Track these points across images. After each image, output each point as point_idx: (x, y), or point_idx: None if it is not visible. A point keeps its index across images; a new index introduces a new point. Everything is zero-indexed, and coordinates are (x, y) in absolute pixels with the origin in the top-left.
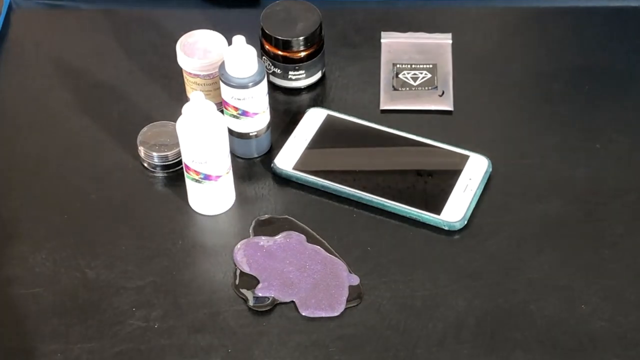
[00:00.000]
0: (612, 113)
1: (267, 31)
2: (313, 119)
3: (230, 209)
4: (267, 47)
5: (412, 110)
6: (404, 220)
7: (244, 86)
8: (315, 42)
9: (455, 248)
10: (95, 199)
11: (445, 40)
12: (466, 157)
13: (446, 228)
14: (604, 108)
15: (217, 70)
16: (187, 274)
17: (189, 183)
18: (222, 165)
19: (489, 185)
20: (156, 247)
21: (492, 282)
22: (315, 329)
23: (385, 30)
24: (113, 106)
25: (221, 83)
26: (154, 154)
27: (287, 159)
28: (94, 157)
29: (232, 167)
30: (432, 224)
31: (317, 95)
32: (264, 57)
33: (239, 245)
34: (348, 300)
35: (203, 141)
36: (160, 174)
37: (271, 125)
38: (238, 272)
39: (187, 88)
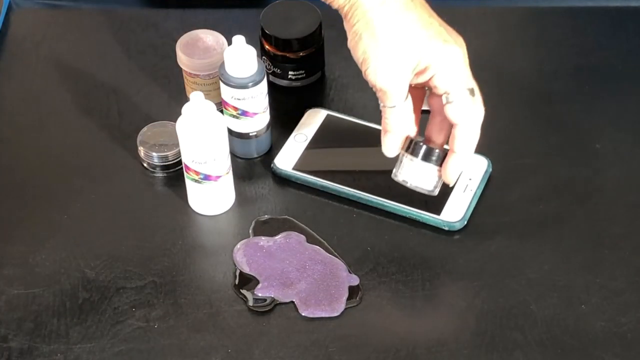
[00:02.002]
0: (612, 113)
1: (266, 31)
2: (313, 119)
3: (230, 209)
4: (266, 47)
5: None
6: (404, 220)
7: (243, 86)
8: (315, 42)
9: (455, 248)
10: (95, 199)
11: None
12: None
13: (446, 228)
14: (604, 108)
15: (217, 70)
16: (187, 274)
17: (189, 183)
18: (222, 165)
19: (489, 185)
20: (156, 247)
21: (492, 282)
22: (315, 329)
23: None
24: (113, 106)
25: (221, 83)
26: (154, 154)
27: (287, 159)
28: (94, 157)
29: (232, 167)
30: (432, 224)
31: (317, 95)
32: (263, 57)
33: (238, 246)
34: (348, 300)
35: (203, 141)
36: (160, 174)
37: (271, 125)
38: (238, 272)
39: (187, 88)
